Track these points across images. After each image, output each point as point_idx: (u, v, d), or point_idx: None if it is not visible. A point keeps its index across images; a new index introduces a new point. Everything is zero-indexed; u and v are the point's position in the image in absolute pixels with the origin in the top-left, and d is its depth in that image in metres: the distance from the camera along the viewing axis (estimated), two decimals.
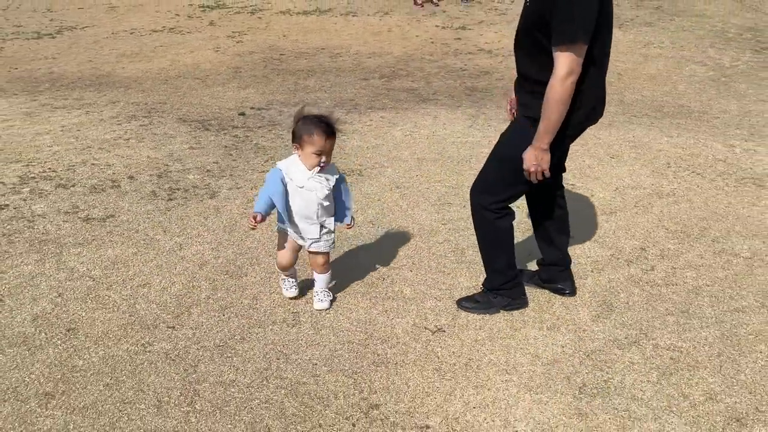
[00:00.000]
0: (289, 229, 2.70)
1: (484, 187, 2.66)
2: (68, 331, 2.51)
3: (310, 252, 2.74)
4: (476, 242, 2.83)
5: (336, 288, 2.94)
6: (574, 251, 3.44)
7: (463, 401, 2.19)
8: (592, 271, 3.24)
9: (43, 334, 2.48)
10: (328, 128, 2.57)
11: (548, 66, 2.35)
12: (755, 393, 2.32)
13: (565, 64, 2.28)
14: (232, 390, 2.20)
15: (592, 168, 4.79)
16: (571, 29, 2.25)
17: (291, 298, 2.84)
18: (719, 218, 3.92)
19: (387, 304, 2.81)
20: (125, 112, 5.84)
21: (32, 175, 4.17)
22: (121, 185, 4.10)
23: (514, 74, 2.69)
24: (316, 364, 2.36)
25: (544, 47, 2.35)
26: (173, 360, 2.35)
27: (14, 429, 1.99)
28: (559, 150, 2.56)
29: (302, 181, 2.60)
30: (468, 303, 2.81)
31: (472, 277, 3.06)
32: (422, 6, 10.91)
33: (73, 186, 4.04)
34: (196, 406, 2.11)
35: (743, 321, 2.80)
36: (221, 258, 3.18)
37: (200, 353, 2.40)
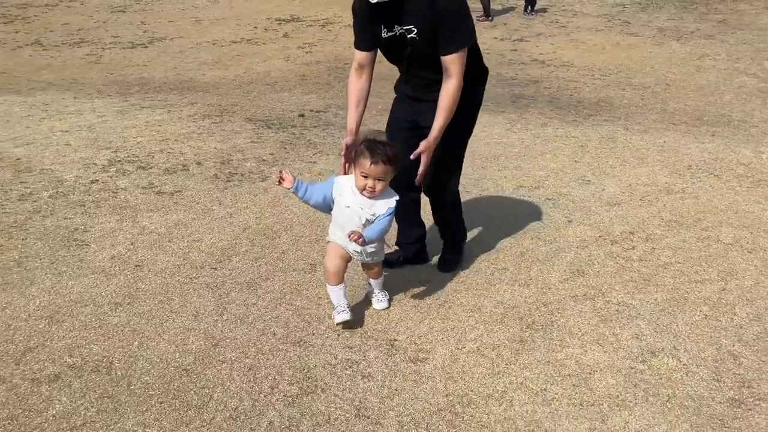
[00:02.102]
0: (339, 239, 2.74)
1: (450, 179, 3.17)
2: (136, 267, 3.30)
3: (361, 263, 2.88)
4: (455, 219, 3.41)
5: None
6: (565, 233, 3.94)
7: (429, 327, 2.80)
8: (576, 248, 3.73)
9: (117, 267, 3.28)
10: (378, 154, 2.54)
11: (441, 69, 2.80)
12: (679, 337, 2.79)
13: (462, 66, 2.74)
14: (252, 309, 2.91)
15: (613, 168, 5.23)
16: (464, 36, 2.74)
17: (341, 323, 2.75)
18: (717, 212, 4.30)
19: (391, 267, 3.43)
20: (201, 111, 6.74)
21: (119, 159, 5.07)
22: (189, 169, 4.93)
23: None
24: (320, 297, 3.03)
25: (438, 58, 2.79)
26: (212, 289, 3.08)
27: (92, 323, 2.76)
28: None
29: (349, 200, 2.63)
30: (451, 265, 3.35)
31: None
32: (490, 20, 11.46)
33: (150, 168, 4.90)
34: (224, 317, 2.83)
35: (697, 289, 3.25)
36: (262, 224, 3.91)
37: (233, 286, 3.12)
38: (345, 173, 2.93)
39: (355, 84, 3.02)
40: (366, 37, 2.92)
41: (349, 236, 2.55)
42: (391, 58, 3.02)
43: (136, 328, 2.72)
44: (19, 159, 4.93)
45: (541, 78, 8.60)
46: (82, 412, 2.20)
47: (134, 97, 7.44)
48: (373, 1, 2.68)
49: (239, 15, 11.96)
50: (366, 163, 2.55)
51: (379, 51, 2.98)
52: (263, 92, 7.84)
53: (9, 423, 2.14)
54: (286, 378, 2.43)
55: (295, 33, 10.83)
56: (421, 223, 3.46)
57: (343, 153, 2.99)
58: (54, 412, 2.20)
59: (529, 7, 11.92)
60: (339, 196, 2.67)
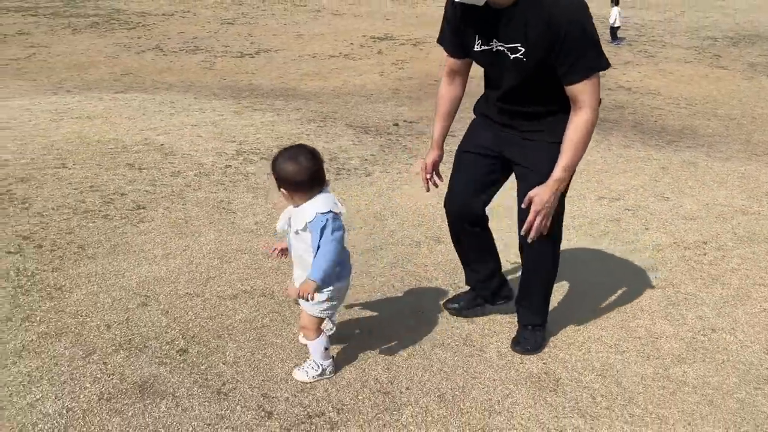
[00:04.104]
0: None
1: (553, 225, 2.58)
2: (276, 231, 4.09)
3: None
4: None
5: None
6: (642, 237, 4.48)
7: None
8: (651, 250, 4.27)
9: (262, 230, 4.09)
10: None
11: (553, 99, 2.44)
12: (738, 321, 3.32)
13: (595, 94, 2.32)
14: (373, 268, 3.64)
15: (692, 189, 5.71)
16: (594, 60, 2.31)
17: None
18: None
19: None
20: (306, 116, 7.61)
21: (244, 151, 5.94)
22: None
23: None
24: (427, 266, 3.72)
25: (549, 87, 2.41)
26: None
27: (252, 265, 3.56)
28: None
29: (281, 221, 2.54)
30: (525, 346, 2.84)
31: None
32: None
33: (270, 159, 5.74)
34: (352, 271, 3.56)
35: (760, 290, 3.73)
36: (371, 209, 4.64)
37: (354, 251, 3.80)
38: (428, 190, 2.84)
39: (445, 92, 2.71)
40: (455, 43, 2.54)
41: (297, 294, 2.33)
42: (485, 72, 2.63)
43: (286, 271, 3.48)
44: (162, 145, 5.86)
45: (627, 104, 9.10)
46: (260, 320, 2.97)
47: (246, 101, 8.41)
48: (457, 0, 2.29)
49: (337, 31, 12.95)
50: None
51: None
52: (360, 103, 8.68)
53: (209, 321, 2.92)
54: (407, 314, 3.12)
55: (388, 50, 11.69)
56: (492, 254, 2.99)
57: (424, 170, 2.79)
58: (239, 317, 2.97)
59: (612, 38, 12.44)
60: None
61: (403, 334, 2.95)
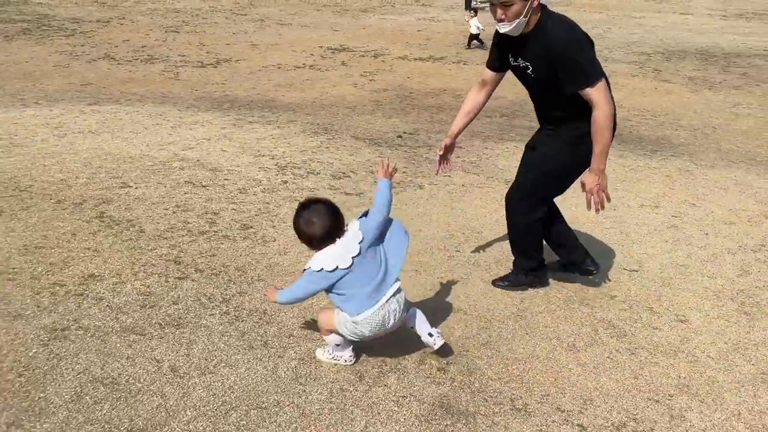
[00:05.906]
0: None
1: (534, 190, 3.38)
2: None
3: None
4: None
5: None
6: (710, 242, 4.85)
7: (670, 302, 3.66)
8: (727, 253, 4.63)
9: None
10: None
11: (567, 107, 3.10)
12: None
13: (601, 95, 2.96)
14: (503, 269, 3.72)
15: (705, 195, 6.21)
16: (587, 76, 2.96)
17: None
18: None
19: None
20: (308, 129, 7.51)
21: (283, 165, 5.81)
22: (350, 177, 5.70)
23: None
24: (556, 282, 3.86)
25: (561, 98, 3.08)
26: (473, 264, 3.88)
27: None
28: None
29: None
30: (501, 282, 3.58)
31: None
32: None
33: (318, 174, 5.66)
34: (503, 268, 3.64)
35: None
36: (458, 223, 4.72)
37: (482, 259, 3.93)
38: (438, 173, 3.53)
39: (472, 96, 3.41)
40: (497, 59, 3.28)
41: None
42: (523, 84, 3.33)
43: (467, 291, 3.50)
44: (198, 160, 5.63)
45: None
46: (482, 336, 2.97)
47: (233, 113, 8.17)
48: (501, 31, 3.06)
49: (291, 42, 12.82)
50: None
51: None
52: (348, 115, 8.66)
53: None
54: (595, 322, 3.24)
55: (351, 62, 11.73)
56: (566, 233, 3.63)
57: (439, 153, 3.44)
58: (458, 334, 2.96)
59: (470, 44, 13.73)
60: None
61: (548, 323, 3.07)
